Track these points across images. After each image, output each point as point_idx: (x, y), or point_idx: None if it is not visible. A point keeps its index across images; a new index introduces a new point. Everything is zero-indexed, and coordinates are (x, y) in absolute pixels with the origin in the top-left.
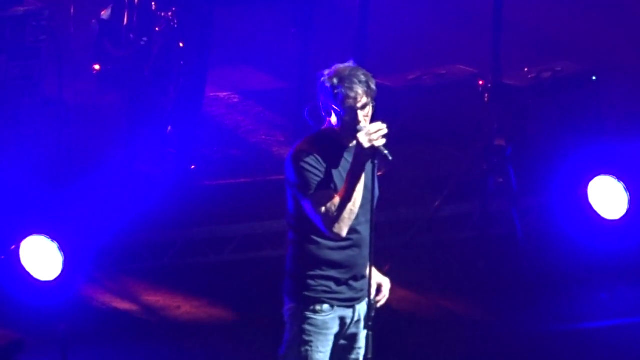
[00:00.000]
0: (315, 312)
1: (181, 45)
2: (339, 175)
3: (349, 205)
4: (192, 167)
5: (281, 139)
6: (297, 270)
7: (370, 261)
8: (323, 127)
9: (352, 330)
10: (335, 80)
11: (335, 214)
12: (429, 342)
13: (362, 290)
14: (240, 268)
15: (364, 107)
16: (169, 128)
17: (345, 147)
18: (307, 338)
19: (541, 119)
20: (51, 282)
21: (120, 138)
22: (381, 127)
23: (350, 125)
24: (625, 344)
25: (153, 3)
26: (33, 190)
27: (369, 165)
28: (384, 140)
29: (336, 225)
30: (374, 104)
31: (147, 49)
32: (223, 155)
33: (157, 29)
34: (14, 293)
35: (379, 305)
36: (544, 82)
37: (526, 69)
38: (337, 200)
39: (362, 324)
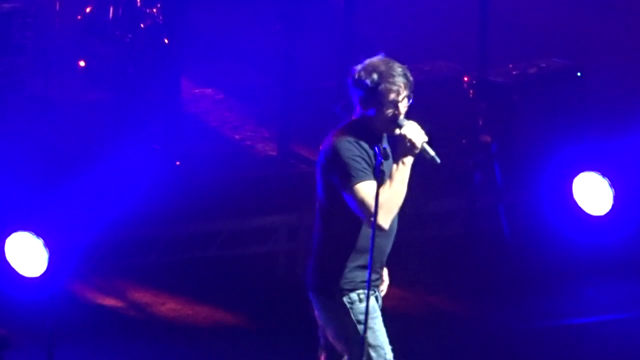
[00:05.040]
0: (361, 300)
1: (166, 41)
2: (397, 170)
3: (396, 199)
4: (177, 163)
5: (266, 135)
6: (333, 264)
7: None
8: (354, 118)
9: None
10: (375, 76)
11: (382, 206)
12: (416, 338)
13: (381, 276)
14: (225, 264)
15: (403, 99)
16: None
17: (379, 138)
18: (363, 327)
19: (526, 115)
20: (37, 278)
21: (105, 135)
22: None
23: (391, 119)
24: (611, 340)
25: None
26: (18, 187)
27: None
28: (426, 139)
29: (382, 218)
30: (412, 95)
31: (132, 45)
32: (208, 152)
33: (142, 25)
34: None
35: (383, 293)
36: (529, 78)
37: (511, 66)
38: (385, 193)
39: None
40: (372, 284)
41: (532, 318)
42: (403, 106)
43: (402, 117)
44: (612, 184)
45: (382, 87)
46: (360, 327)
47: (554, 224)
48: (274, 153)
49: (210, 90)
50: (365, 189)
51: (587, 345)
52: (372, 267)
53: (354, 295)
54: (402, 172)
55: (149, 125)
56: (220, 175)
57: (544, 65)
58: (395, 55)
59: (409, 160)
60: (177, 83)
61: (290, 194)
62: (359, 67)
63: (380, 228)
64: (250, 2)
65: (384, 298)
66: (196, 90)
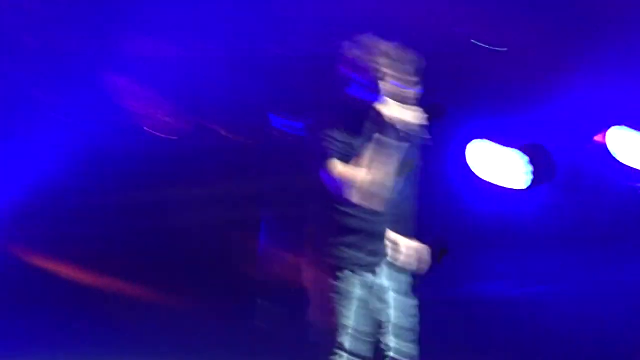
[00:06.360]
0: (337, 279)
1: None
2: (369, 147)
3: (361, 174)
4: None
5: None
6: (317, 239)
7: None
8: (344, 97)
9: (377, 294)
10: (356, 52)
11: (348, 182)
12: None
13: (382, 254)
14: (154, 237)
15: (385, 77)
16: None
17: (366, 117)
18: (331, 304)
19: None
20: None
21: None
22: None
23: (373, 97)
24: (525, 311)
25: None
26: None
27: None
28: (406, 118)
29: (348, 192)
30: (420, 83)
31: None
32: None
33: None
34: None
35: (399, 262)
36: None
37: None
38: (351, 168)
39: (388, 286)
40: (357, 262)
41: (446, 287)
42: (386, 85)
43: (385, 97)
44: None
45: (361, 63)
46: (327, 304)
47: (467, 196)
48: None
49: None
50: (333, 167)
51: (500, 316)
52: (358, 246)
53: (337, 273)
54: (370, 148)
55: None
56: (148, 148)
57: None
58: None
59: (379, 137)
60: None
61: (219, 167)
62: (347, 43)
63: (349, 202)
64: None
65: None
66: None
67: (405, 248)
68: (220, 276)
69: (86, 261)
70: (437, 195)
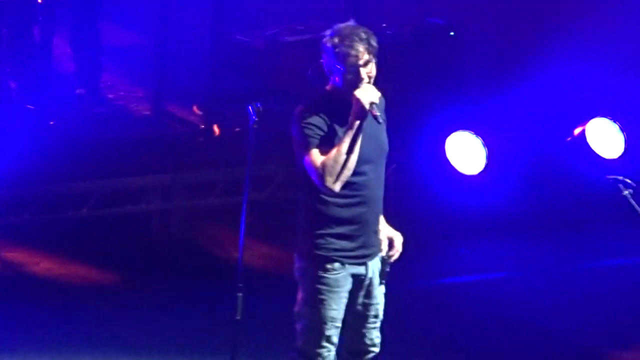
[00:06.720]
0: (326, 270)
1: (39, 1)
2: (349, 135)
3: (340, 160)
4: (51, 122)
5: (140, 95)
6: (307, 230)
7: (380, 215)
8: (327, 87)
9: (367, 287)
10: (336, 40)
11: (328, 169)
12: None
13: (373, 246)
14: (100, 224)
15: (365, 64)
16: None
17: (349, 106)
18: (320, 297)
19: (400, 75)
20: None
21: None
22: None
23: (353, 84)
24: (484, 299)
25: None
26: None
27: (375, 123)
28: (376, 100)
29: (328, 179)
30: (377, 61)
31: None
32: (82, 111)
33: None
34: None
35: (392, 260)
36: (402, 37)
37: (384, 25)
38: (330, 155)
39: (376, 280)
40: (347, 254)
41: (406, 278)
42: (365, 72)
43: (364, 83)
44: (485, 143)
45: (341, 50)
46: (316, 296)
47: (430, 184)
48: (148, 113)
49: None
50: (313, 155)
51: (460, 305)
52: (348, 237)
53: (323, 265)
54: (348, 134)
55: (21, 84)
56: (94, 134)
57: (417, 24)
58: (269, 14)
59: (356, 122)
60: (50, 41)
61: (163, 154)
62: (327, 31)
63: (330, 190)
64: None
65: (257, 257)
66: (68, 50)
67: (400, 244)
68: (196, 264)
69: (54, 250)
70: (404, 184)
